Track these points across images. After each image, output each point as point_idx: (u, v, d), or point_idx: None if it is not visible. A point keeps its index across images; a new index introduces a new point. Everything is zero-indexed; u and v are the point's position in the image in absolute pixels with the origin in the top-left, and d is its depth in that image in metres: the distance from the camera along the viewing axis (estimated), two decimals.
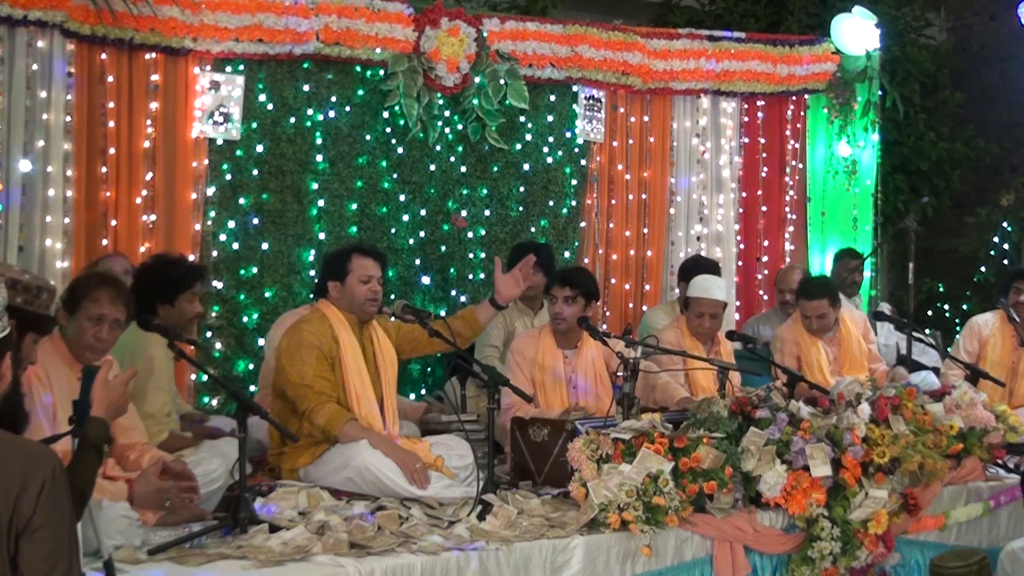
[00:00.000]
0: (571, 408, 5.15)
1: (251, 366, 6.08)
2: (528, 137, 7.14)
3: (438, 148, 6.79)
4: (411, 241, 6.73)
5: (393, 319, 4.91)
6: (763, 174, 8.11)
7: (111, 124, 5.79)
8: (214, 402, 5.98)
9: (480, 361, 5.07)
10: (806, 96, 8.20)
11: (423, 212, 6.78)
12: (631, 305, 7.54)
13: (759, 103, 8.05)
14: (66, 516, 2.36)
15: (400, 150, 6.68)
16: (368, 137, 6.59)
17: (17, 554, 2.31)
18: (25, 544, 2.30)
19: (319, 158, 6.44)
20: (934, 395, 5.35)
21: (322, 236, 6.42)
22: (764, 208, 8.12)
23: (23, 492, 2.29)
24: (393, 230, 6.67)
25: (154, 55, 5.89)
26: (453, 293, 6.90)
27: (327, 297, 4.76)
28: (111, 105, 5.79)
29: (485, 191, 7.02)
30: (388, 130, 6.65)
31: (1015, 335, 6.40)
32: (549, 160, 7.24)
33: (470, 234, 6.95)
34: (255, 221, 6.23)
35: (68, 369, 3.87)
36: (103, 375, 3.13)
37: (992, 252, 8.87)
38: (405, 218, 6.71)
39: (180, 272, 4.77)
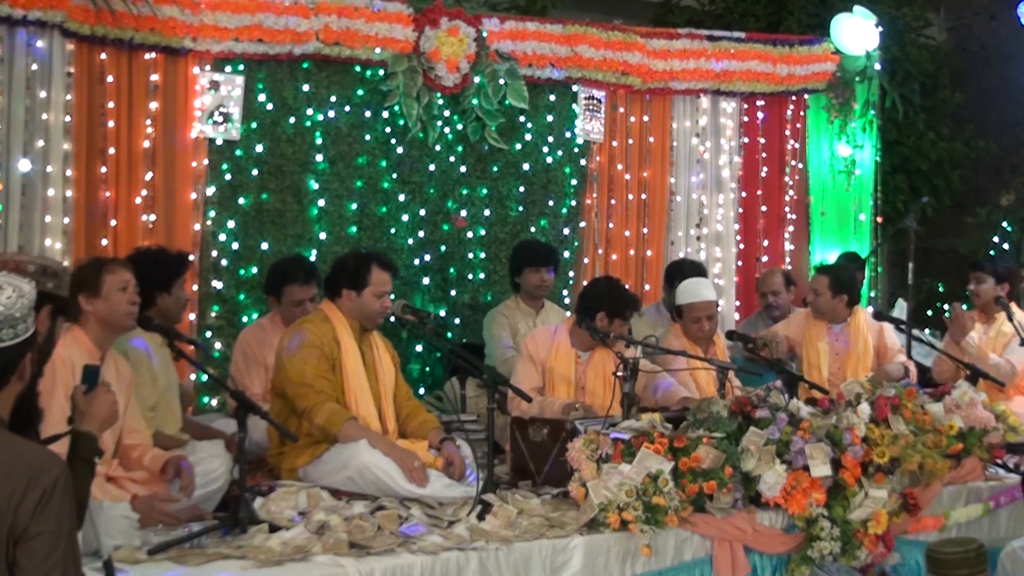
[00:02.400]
0: (571, 407, 5.13)
1: None
2: (528, 137, 7.14)
3: (438, 148, 6.79)
4: (411, 241, 6.73)
5: (393, 319, 4.92)
6: (763, 174, 8.11)
7: (111, 124, 5.79)
8: (214, 402, 5.99)
9: (472, 359, 5.00)
10: (806, 96, 8.21)
11: (423, 212, 6.78)
12: None
13: (759, 103, 8.05)
14: (65, 526, 2.33)
15: (400, 150, 6.68)
16: (368, 137, 6.59)
17: (13, 562, 2.30)
18: (21, 551, 2.28)
19: (319, 158, 6.44)
20: (934, 395, 5.35)
21: (322, 236, 6.42)
22: (764, 208, 8.12)
23: (23, 500, 2.28)
24: (393, 230, 6.67)
25: (154, 55, 5.89)
26: (453, 293, 6.90)
27: (334, 300, 4.76)
28: (111, 105, 5.79)
29: (485, 191, 7.02)
30: (388, 130, 6.65)
31: (984, 327, 6.50)
32: (549, 160, 7.24)
33: (470, 234, 6.95)
34: (255, 221, 6.24)
35: (89, 356, 3.91)
36: (102, 391, 3.11)
37: (992, 252, 8.85)
38: (405, 218, 6.71)
39: (173, 258, 4.78)
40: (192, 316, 5.99)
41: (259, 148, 6.25)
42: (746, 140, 8.04)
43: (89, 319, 3.99)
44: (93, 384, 3.10)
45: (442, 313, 6.84)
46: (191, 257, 5.87)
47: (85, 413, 3.02)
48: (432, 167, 6.80)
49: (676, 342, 5.70)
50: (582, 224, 7.39)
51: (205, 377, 5.31)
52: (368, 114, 6.58)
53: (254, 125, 6.22)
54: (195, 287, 6.02)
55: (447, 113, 6.80)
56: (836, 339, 6.20)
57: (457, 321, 6.90)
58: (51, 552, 2.30)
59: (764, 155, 8.10)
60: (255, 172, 6.24)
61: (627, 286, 6.99)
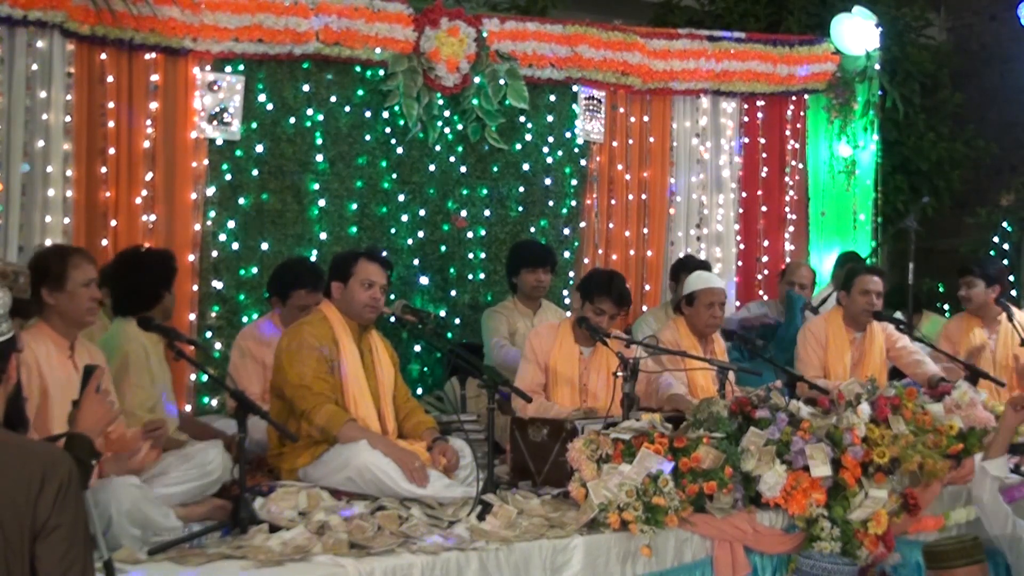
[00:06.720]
0: (582, 408, 5.11)
1: None
2: (528, 137, 7.14)
3: (438, 148, 6.79)
4: (411, 241, 6.73)
5: (393, 319, 4.91)
6: (763, 174, 8.11)
7: (111, 124, 5.79)
8: (214, 402, 5.99)
9: (472, 359, 5.00)
10: (806, 96, 8.21)
11: (423, 212, 6.78)
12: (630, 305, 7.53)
13: (759, 103, 8.05)
14: (81, 519, 2.37)
15: (400, 150, 6.68)
16: (368, 137, 6.59)
17: (34, 556, 2.32)
18: (41, 546, 2.31)
19: (319, 158, 6.44)
20: (934, 395, 5.35)
21: (322, 236, 6.42)
22: (764, 208, 8.12)
23: (41, 494, 2.30)
24: (393, 230, 6.67)
25: (154, 55, 5.89)
26: (453, 293, 6.90)
27: (331, 298, 4.76)
28: (111, 105, 5.79)
29: (485, 191, 7.02)
30: (388, 130, 6.65)
31: (987, 331, 6.49)
32: (549, 160, 7.24)
33: (470, 234, 6.95)
34: (255, 221, 6.24)
35: (56, 348, 3.91)
36: (92, 388, 3.10)
37: (992, 252, 8.85)
38: (405, 218, 6.71)
39: (167, 255, 4.82)
40: (192, 316, 5.99)
41: (259, 148, 6.25)
42: (746, 140, 8.04)
43: (52, 312, 3.95)
44: (84, 384, 3.10)
45: (442, 313, 6.84)
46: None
47: (76, 416, 3.04)
48: (432, 167, 6.80)
49: (670, 333, 5.67)
50: (582, 224, 7.39)
51: (205, 377, 5.31)
52: (368, 114, 6.58)
53: (254, 125, 6.22)
54: (195, 287, 6.02)
55: (447, 113, 6.80)
56: (856, 349, 6.15)
57: (457, 321, 6.90)
58: (71, 546, 2.33)
59: (764, 155, 8.11)
60: (255, 172, 6.25)
61: (627, 286, 7.04)
